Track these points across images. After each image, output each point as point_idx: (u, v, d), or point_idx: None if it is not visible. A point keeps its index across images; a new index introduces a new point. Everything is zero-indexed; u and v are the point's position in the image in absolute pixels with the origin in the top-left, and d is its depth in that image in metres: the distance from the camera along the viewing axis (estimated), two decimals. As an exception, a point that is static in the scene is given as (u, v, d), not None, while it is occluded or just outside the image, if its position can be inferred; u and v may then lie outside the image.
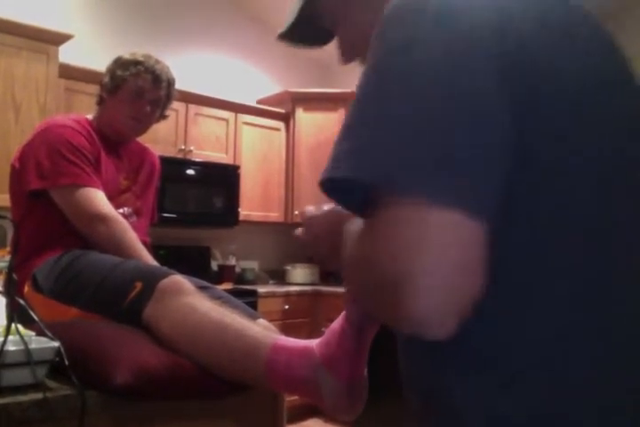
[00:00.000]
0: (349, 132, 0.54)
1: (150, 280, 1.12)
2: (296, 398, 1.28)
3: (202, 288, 1.19)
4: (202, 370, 1.00)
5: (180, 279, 1.13)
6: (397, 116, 0.50)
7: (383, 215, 0.49)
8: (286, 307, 3.65)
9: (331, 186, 0.53)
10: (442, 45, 0.52)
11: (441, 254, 0.46)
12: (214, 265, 3.97)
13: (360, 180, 0.50)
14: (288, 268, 4.19)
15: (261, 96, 4.25)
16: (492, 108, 0.50)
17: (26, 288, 1.35)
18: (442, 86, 0.50)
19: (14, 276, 0.97)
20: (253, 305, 3.35)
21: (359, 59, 0.76)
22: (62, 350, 0.92)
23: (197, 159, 3.65)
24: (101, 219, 1.39)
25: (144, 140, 1.73)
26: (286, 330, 1.21)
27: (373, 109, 0.53)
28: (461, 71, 0.51)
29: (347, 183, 0.51)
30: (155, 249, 1.57)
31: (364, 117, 0.53)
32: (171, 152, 3.51)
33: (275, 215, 4.11)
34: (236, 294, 1.56)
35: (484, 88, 0.51)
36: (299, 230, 0.86)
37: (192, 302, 1.08)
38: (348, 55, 0.78)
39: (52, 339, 0.94)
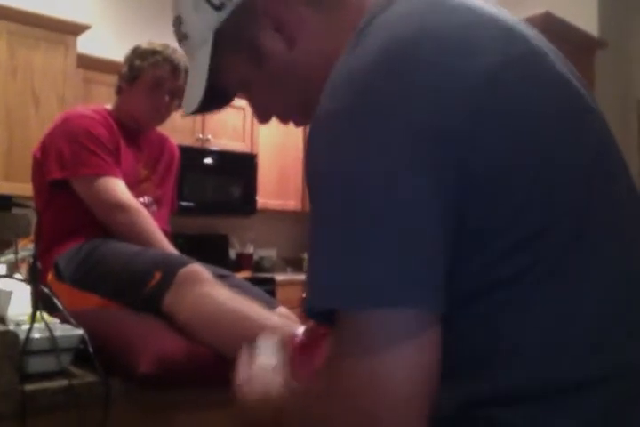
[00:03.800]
0: (311, 261, 0.54)
1: (170, 269, 1.14)
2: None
3: (220, 277, 1.20)
4: (222, 358, 1.01)
5: (198, 268, 1.14)
6: (338, 241, 0.50)
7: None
8: (304, 295, 3.67)
9: (313, 313, 0.54)
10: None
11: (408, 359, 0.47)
12: (232, 253, 4.00)
13: (319, 308, 0.51)
14: (305, 256, 4.21)
15: (278, 84, 4.24)
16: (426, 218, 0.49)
17: (49, 276, 1.37)
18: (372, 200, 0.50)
19: (38, 264, 0.98)
20: (271, 293, 3.37)
21: (276, 116, 0.77)
22: (86, 337, 0.93)
23: (215, 148, 3.66)
24: (122, 208, 1.41)
25: (162, 129, 1.73)
26: (305, 318, 1.21)
27: (318, 237, 0.53)
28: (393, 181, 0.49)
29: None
30: (173, 238, 1.58)
31: (316, 246, 0.53)
32: (188, 141, 3.52)
33: (292, 204, 4.12)
34: (253, 282, 1.57)
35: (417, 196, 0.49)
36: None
37: (211, 291, 1.09)
38: (262, 117, 0.79)
39: (76, 326, 0.95)
